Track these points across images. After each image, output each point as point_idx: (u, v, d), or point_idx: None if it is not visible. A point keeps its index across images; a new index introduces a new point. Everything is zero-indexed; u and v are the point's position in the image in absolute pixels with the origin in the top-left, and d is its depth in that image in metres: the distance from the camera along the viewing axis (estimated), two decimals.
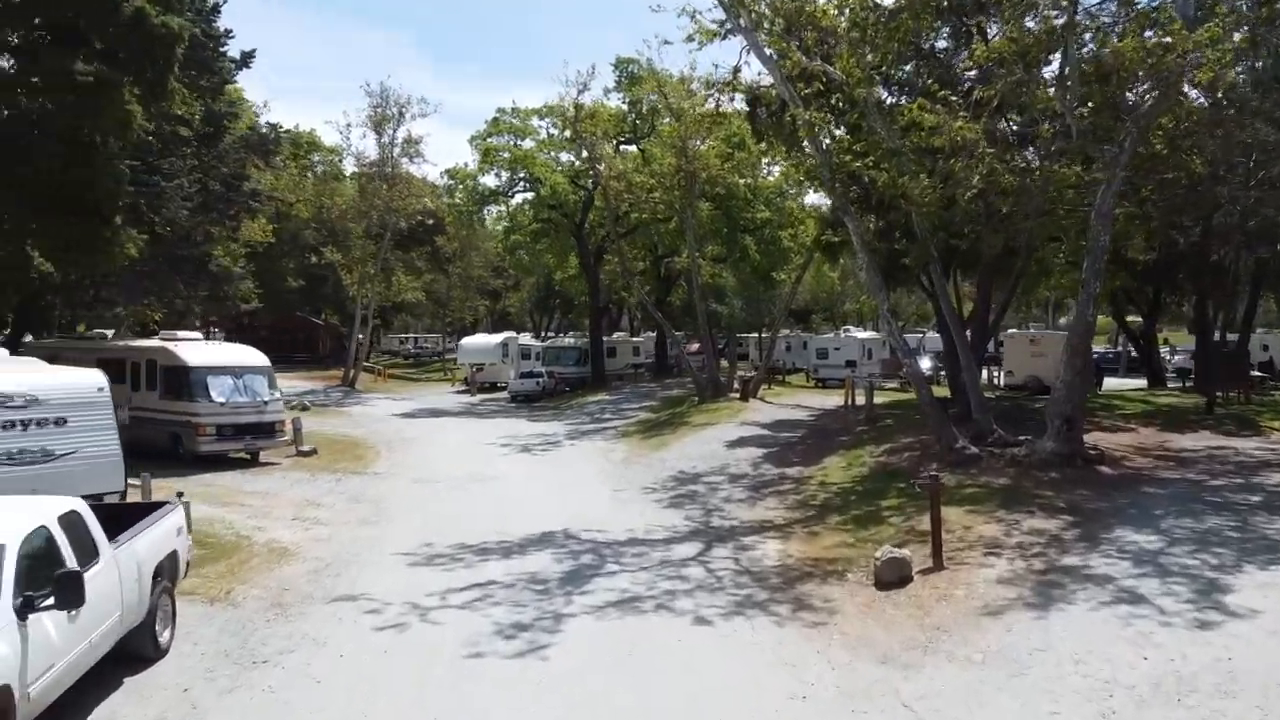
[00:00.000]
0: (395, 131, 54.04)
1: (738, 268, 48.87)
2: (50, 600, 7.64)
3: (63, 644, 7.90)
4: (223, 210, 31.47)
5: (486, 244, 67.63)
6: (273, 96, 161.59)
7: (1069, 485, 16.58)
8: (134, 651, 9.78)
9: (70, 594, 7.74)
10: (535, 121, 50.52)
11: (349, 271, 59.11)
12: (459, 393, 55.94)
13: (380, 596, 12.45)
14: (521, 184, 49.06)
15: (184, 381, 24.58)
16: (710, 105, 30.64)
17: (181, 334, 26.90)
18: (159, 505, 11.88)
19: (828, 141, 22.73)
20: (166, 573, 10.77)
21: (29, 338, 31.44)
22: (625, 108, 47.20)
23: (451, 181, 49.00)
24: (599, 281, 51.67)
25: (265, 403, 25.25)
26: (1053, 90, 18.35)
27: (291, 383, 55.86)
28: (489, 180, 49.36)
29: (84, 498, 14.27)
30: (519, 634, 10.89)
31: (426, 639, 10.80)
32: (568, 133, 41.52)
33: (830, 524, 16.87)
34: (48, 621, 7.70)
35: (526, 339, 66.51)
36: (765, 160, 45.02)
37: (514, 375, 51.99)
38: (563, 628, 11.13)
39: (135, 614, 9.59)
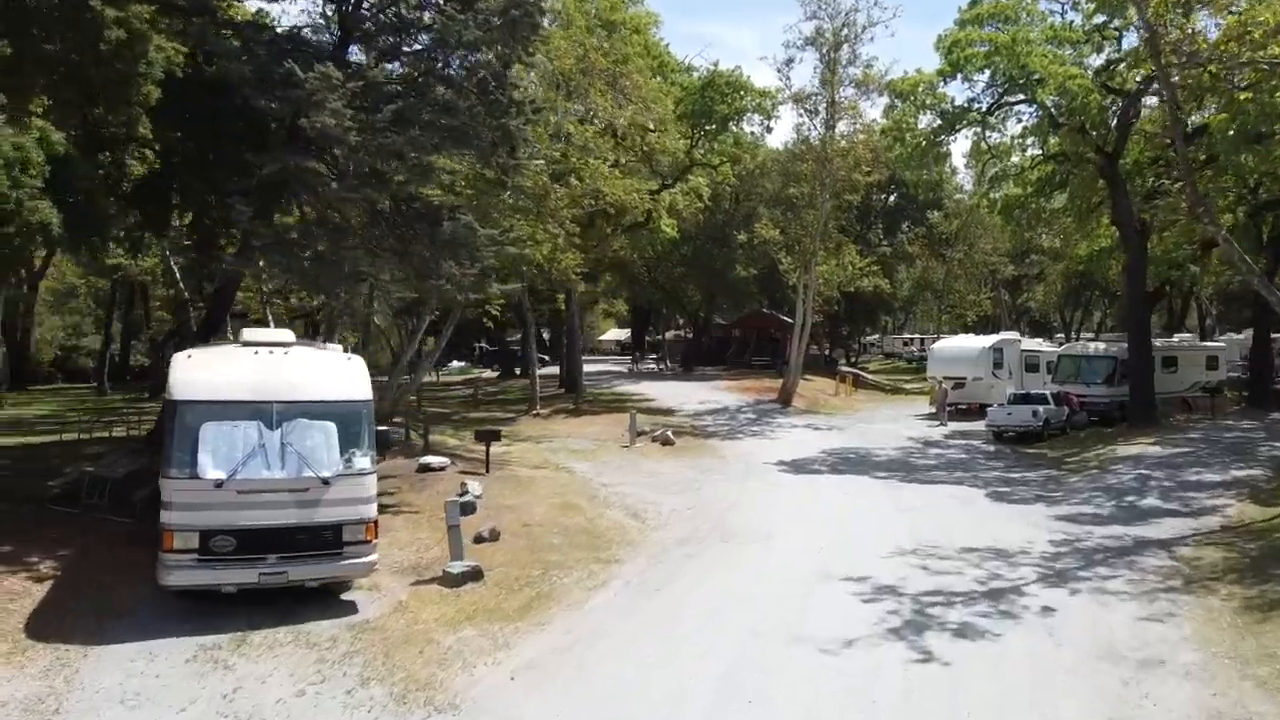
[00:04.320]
0: (836, 53, 38.58)
1: None
2: None
3: None
4: (443, 133, 18.79)
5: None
6: None
7: None
8: None
9: None
10: (1043, 4, 31.83)
11: (786, 252, 44.99)
12: (926, 417, 38.81)
13: None
14: (1012, 89, 30.24)
15: (167, 432, 12.07)
16: None
17: (261, 333, 14.41)
18: None
19: None
20: None
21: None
22: None
23: (895, 101, 32.12)
24: (1145, 250, 31.05)
25: (324, 481, 11.75)
26: None
27: (709, 394, 43.43)
28: (955, 90, 31.59)
29: None
30: None
31: None
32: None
33: None
34: None
35: (1036, 343, 46.76)
36: None
37: (1007, 398, 33.40)
38: None
39: None
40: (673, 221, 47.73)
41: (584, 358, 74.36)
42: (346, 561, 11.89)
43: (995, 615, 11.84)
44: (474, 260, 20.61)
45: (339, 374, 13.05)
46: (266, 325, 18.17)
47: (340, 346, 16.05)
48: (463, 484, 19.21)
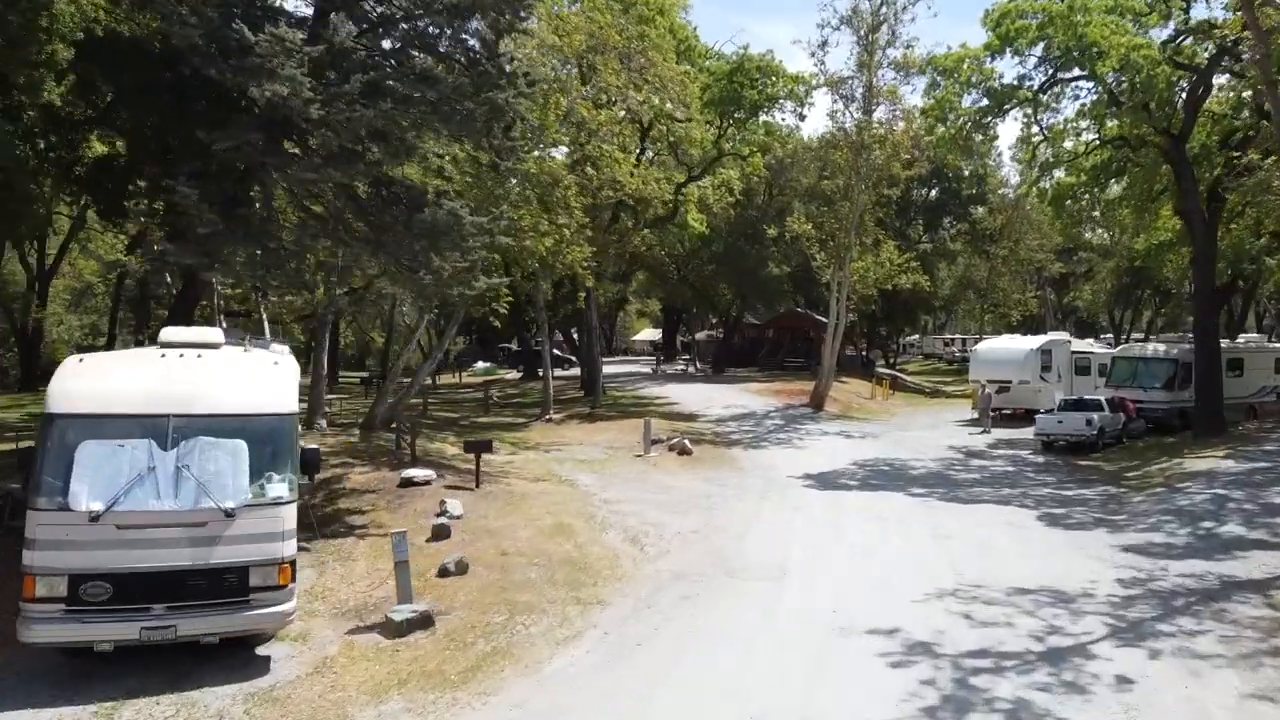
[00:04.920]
0: (874, 34, 36.00)
1: None
2: None
3: None
4: (424, 106, 16.66)
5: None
6: None
7: None
8: None
9: None
10: None
11: (819, 248, 42.36)
12: (968, 423, 36.14)
13: None
14: (1067, 64, 27.40)
15: (38, 454, 10.00)
16: None
17: (181, 333, 12.28)
18: None
19: None
20: None
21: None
22: None
23: (937, 78, 29.41)
24: (1214, 241, 28.14)
25: (227, 514, 9.61)
26: None
27: (736, 397, 40.90)
28: (1004, 66, 28.93)
29: None
30: None
31: None
32: None
33: None
34: None
35: (1087, 344, 43.79)
36: None
37: (1057, 404, 30.69)
38: None
39: None
40: (701, 216, 45.39)
41: (618, 358, 72.35)
42: (254, 612, 9.71)
43: (1058, 688, 9.40)
44: (460, 251, 18.45)
45: (258, 381, 10.86)
46: (262, 324, 16.19)
47: (286, 347, 13.90)
48: (442, 502, 17.07)
